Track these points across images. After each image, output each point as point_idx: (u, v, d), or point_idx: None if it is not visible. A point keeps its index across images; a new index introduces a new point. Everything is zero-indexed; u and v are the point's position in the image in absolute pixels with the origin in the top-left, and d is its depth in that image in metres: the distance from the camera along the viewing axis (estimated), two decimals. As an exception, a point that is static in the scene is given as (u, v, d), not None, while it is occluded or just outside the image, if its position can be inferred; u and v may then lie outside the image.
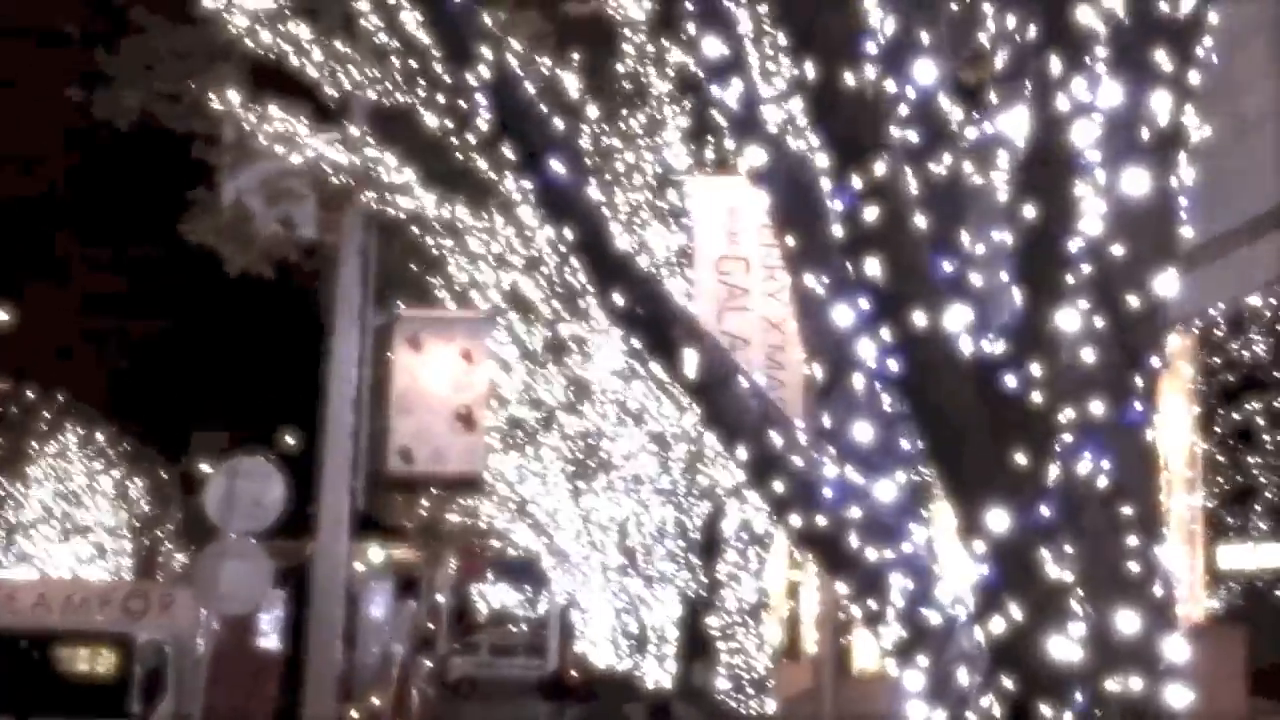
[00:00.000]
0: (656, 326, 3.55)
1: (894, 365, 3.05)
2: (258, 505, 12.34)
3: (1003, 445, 3.02)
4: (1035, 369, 3.01)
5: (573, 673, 29.12)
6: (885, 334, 3.01)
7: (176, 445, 42.84)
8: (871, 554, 3.43)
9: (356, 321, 14.98)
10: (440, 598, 43.71)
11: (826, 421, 3.62)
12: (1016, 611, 3.02)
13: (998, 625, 3.04)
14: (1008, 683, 3.05)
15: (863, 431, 3.55)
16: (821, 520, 3.45)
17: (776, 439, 3.50)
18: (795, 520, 3.50)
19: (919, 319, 2.99)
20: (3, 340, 35.53)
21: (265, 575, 12.90)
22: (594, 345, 14.92)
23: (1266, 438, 9.55)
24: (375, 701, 21.42)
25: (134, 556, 44.10)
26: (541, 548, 32.66)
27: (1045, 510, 3.02)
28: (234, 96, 11.23)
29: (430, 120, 10.80)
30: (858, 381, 3.62)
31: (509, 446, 22.37)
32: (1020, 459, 3.02)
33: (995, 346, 3.08)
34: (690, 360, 3.48)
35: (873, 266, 2.99)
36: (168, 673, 14.14)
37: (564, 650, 39.14)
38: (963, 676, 3.29)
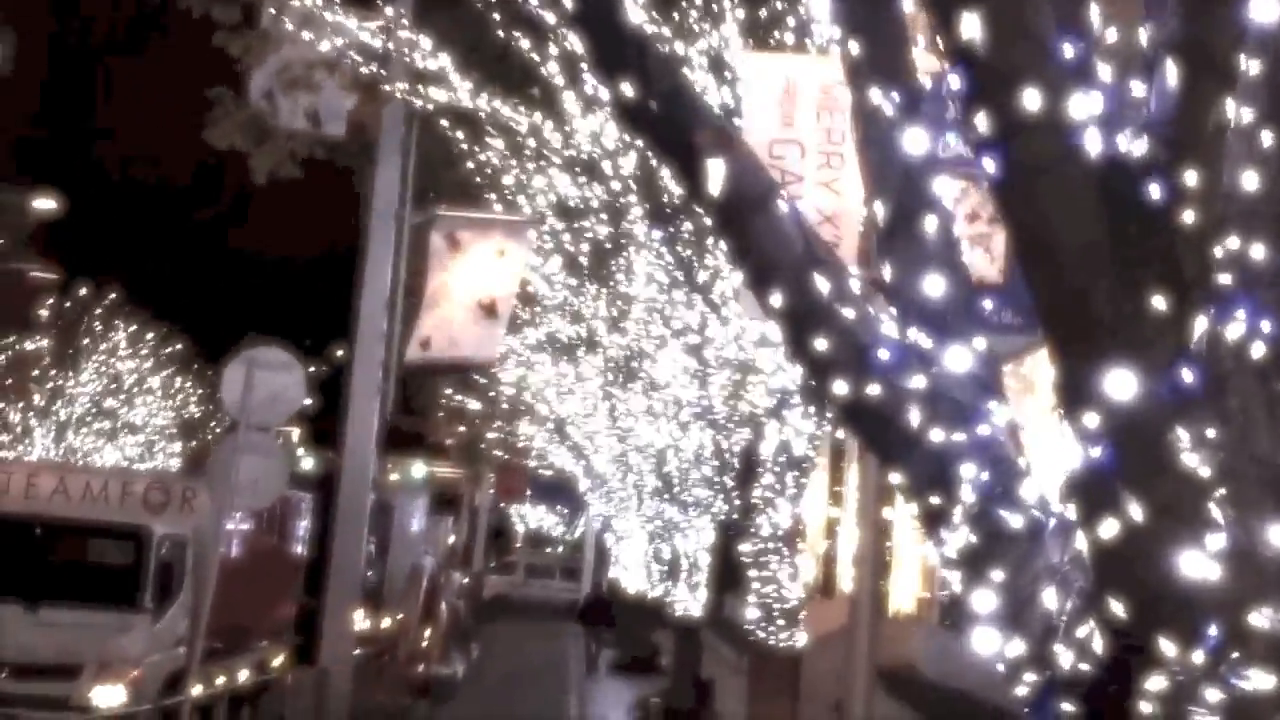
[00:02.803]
0: (674, 128, 2.78)
1: (991, 167, 2.27)
2: (276, 398, 11.70)
3: (1136, 282, 2.23)
4: (1190, 177, 2.23)
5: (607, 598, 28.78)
6: (983, 122, 2.23)
7: (225, 350, 42.53)
8: (936, 436, 2.67)
9: (393, 221, 14.35)
10: (479, 516, 43.63)
11: (888, 272, 2.84)
12: (1136, 512, 2.24)
13: (1109, 529, 2.27)
14: (1116, 607, 2.29)
15: (933, 285, 2.78)
16: (874, 389, 2.69)
17: (822, 284, 2.74)
18: (840, 388, 2.73)
19: (1030, 100, 2.20)
20: (54, 230, 35.32)
21: (282, 470, 12.37)
22: (636, 255, 14.15)
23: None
24: (400, 615, 21.14)
25: (182, 457, 44.25)
26: (579, 470, 32.30)
27: (1186, 375, 2.24)
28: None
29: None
30: (929, 225, 2.84)
31: (550, 362, 21.82)
32: (1158, 301, 2.24)
33: (1135, 146, 2.28)
34: (715, 172, 2.71)
35: (970, 26, 2.20)
36: (185, 568, 13.76)
37: (600, 574, 38.91)
38: (1050, 598, 2.53)
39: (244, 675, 15.04)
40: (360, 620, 15.51)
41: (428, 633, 20.98)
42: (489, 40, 11.35)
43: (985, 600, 2.57)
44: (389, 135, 13.88)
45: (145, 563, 13.62)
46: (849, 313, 2.74)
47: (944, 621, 15.46)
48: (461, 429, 35.28)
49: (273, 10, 10.97)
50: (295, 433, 41.74)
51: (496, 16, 10.69)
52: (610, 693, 22.01)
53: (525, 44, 10.90)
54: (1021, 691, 2.55)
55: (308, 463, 32.80)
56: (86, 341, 38.69)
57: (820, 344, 2.73)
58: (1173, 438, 2.23)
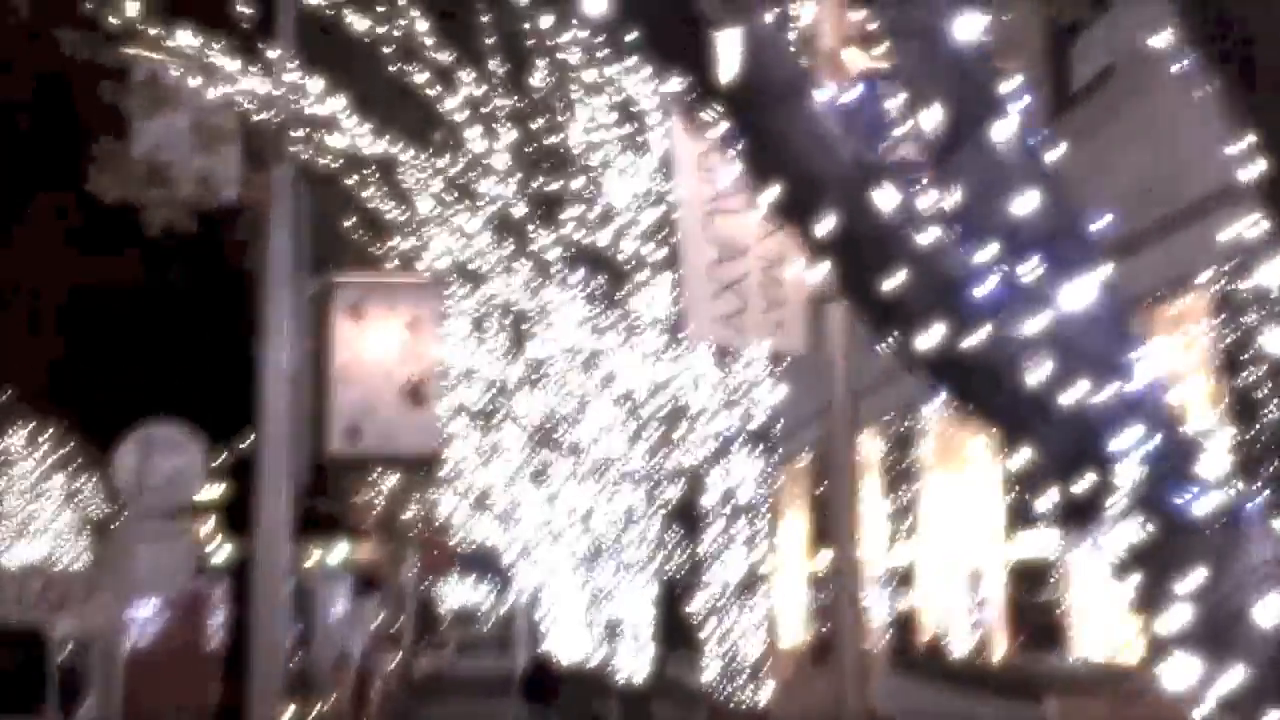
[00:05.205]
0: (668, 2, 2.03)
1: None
2: (174, 479, 10.78)
3: None
4: None
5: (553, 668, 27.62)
6: None
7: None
8: (1073, 395, 1.95)
9: (290, 289, 13.65)
10: (405, 595, 42.45)
11: (958, 196, 2.12)
12: None
13: None
14: None
15: (1024, 203, 2.06)
16: (975, 339, 1.96)
17: (886, 200, 2.00)
18: (927, 340, 1.99)
19: None
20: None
21: (187, 557, 11.38)
22: (553, 304, 13.44)
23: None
24: (328, 702, 20.17)
25: (91, 555, 42.64)
26: (505, 540, 31.37)
27: None
28: (134, 7, 9.78)
29: (362, 25, 9.37)
30: (1001, 131, 2.13)
31: (467, 431, 21.03)
32: None
33: None
34: (727, 49, 1.93)
35: None
36: (90, 669, 12.71)
37: (536, 645, 37.78)
38: (1272, 608, 1.80)
39: (160, 780, 13.97)
40: (289, 711, 14.51)
41: (360, 719, 20.08)
42: (382, 83, 10.74)
43: (1175, 616, 1.82)
44: (281, 199, 13.23)
45: (46, 665, 12.56)
46: (925, 239, 2.00)
47: (894, 664, 15.13)
48: (381, 506, 34.31)
49: (157, 50, 10.33)
50: (210, 522, 40.28)
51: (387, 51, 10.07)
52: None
53: (420, 79, 10.31)
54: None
55: (222, 553, 31.41)
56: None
57: (889, 283, 1.99)
58: None
